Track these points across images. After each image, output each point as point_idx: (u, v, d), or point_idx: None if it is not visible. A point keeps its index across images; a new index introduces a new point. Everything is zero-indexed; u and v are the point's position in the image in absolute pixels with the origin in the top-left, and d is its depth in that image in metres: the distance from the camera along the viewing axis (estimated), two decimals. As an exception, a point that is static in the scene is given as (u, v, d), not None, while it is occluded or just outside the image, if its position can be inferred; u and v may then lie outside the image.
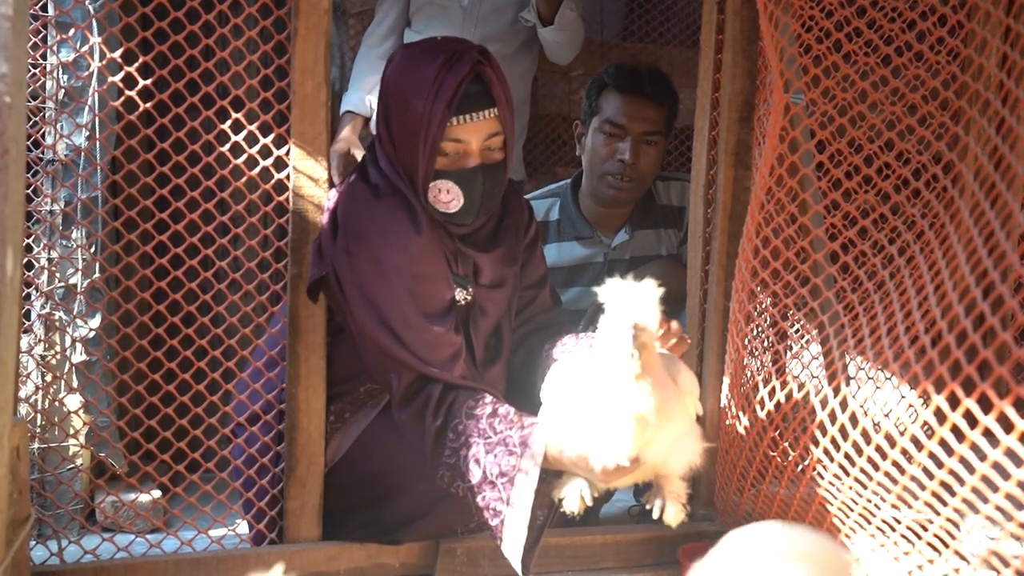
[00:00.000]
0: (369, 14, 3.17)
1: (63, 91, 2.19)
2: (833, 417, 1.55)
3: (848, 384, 1.65)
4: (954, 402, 1.21)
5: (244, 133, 1.78)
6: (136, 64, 1.75)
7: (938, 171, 1.80)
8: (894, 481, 1.43)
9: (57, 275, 2.19)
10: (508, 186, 1.93)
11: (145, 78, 1.75)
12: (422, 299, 1.77)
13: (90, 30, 2.00)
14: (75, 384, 2.11)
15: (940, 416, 1.25)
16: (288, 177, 1.81)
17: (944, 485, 1.32)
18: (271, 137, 1.82)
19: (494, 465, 1.62)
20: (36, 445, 2.05)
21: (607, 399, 1.44)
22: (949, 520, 1.40)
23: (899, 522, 1.51)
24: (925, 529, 1.47)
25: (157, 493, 2.28)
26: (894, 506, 1.48)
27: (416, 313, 1.75)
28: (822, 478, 1.63)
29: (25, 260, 1.91)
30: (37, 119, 2.17)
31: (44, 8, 2.14)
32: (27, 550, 1.59)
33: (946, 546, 1.46)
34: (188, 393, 1.79)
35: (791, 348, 1.92)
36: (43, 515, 1.85)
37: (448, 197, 1.79)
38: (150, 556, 1.79)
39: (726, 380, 1.95)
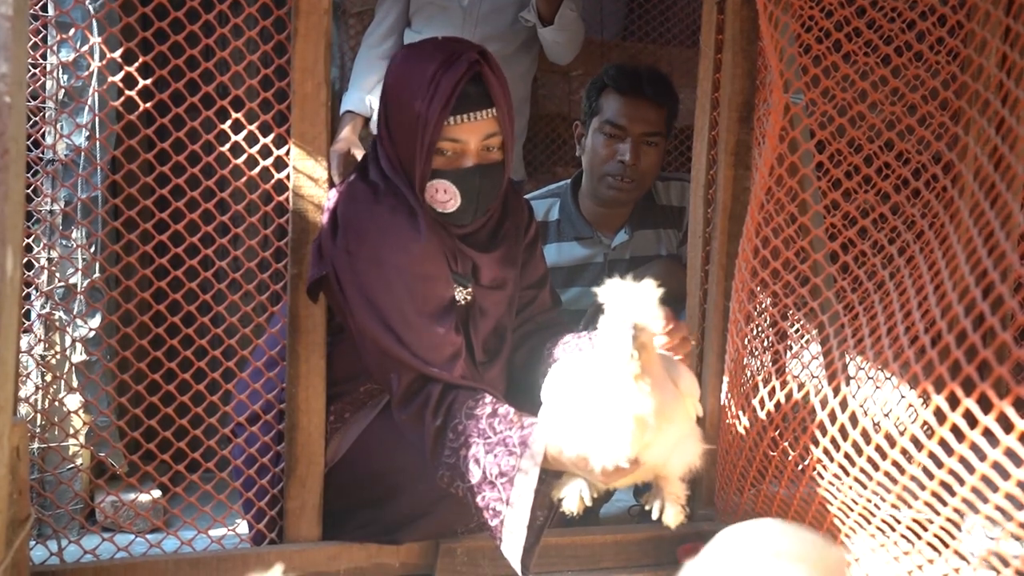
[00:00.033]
0: (369, 14, 3.17)
1: (63, 91, 2.19)
2: (833, 417, 1.55)
3: (848, 384, 1.65)
4: (954, 402, 1.21)
5: (244, 133, 1.78)
6: (136, 64, 1.75)
7: (938, 171, 1.80)
8: (894, 481, 1.43)
9: (57, 275, 2.19)
10: (508, 186, 1.93)
11: (145, 78, 1.75)
12: (422, 299, 1.77)
13: (90, 30, 2.00)
14: (75, 384, 2.11)
15: (940, 416, 1.25)
16: (288, 177, 1.81)
17: (944, 485, 1.32)
18: (271, 137, 1.82)
19: (494, 465, 1.62)
20: (36, 445, 2.06)
21: (607, 400, 1.44)
22: (949, 520, 1.40)
23: (899, 522, 1.51)
24: (925, 529, 1.47)
25: (157, 493, 2.28)
26: (894, 506, 1.48)
27: (416, 313, 1.75)
28: (822, 478, 1.63)
29: (25, 260, 1.92)
30: (37, 119, 2.17)
31: (44, 8, 2.14)
32: (27, 550, 1.59)
33: (946, 546, 1.46)
34: (188, 393, 1.79)
35: (791, 348, 1.92)
36: (43, 515, 1.85)
37: (445, 197, 1.79)
38: (150, 556, 1.79)
39: (726, 380, 1.95)
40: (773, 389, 1.74)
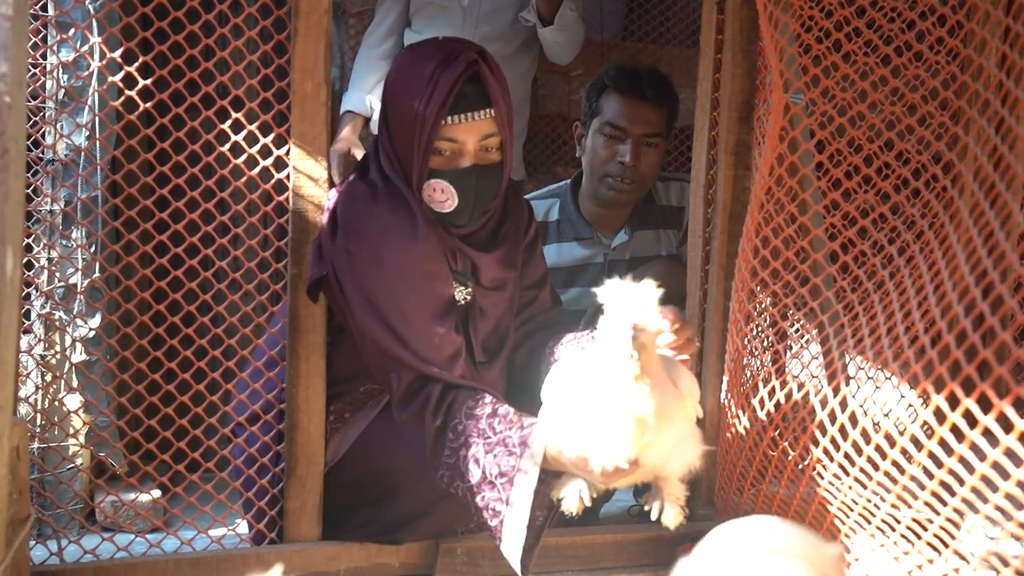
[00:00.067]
0: (369, 14, 3.17)
1: (63, 91, 2.19)
2: (833, 417, 1.55)
3: (848, 384, 1.65)
4: (954, 402, 1.21)
5: (244, 133, 1.78)
6: (136, 64, 1.75)
7: (938, 171, 1.80)
8: (894, 481, 1.43)
9: (57, 275, 2.19)
10: (508, 186, 1.93)
11: (145, 78, 1.75)
12: (422, 298, 1.77)
13: (90, 30, 2.00)
14: (75, 384, 2.11)
15: (940, 416, 1.25)
16: (288, 177, 1.81)
17: (944, 485, 1.32)
18: (271, 137, 1.82)
19: (493, 465, 1.62)
20: (36, 445, 2.06)
21: (607, 400, 1.44)
22: (949, 520, 1.40)
23: (899, 522, 1.51)
24: (925, 529, 1.47)
25: (157, 493, 2.28)
26: (894, 506, 1.48)
27: (416, 312, 1.75)
28: (822, 478, 1.63)
29: (25, 260, 1.92)
30: (37, 119, 2.17)
31: (44, 8, 2.14)
32: (27, 550, 1.59)
33: (946, 546, 1.46)
34: (188, 393, 1.79)
35: (791, 348, 1.92)
36: (43, 515, 1.85)
37: (443, 197, 1.79)
38: (150, 556, 1.79)
39: (726, 380, 1.95)
40: (773, 389, 1.74)
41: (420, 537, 1.88)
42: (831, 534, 1.65)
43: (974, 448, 1.20)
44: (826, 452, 1.58)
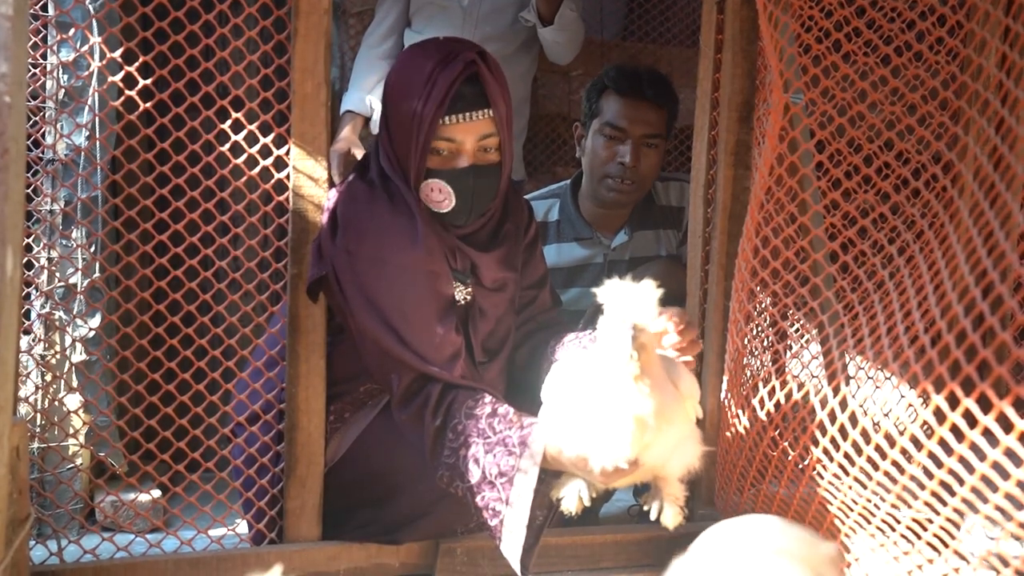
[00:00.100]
0: (369, 14, 3.17)
1: (63, 91, 2.19)
2: (833, 417, 1.55)
3: (848, 384, 1.65)
4: (953, 402, 1.21)
5: (244, 133, 1.78)
6: (136, 64, 1.75)
7: (937, 171, 1.80)
8: (894, 481, 1.43)
9: (57, 274, 2.19)
10: (508, 187, 1.93)
11: (145, 78, 1.75)
12: (423, 298, 1.77)
13: (90, 30, 2.00)
14: (75, 384, 2.11)
15: (939, 416, 1.25)
16: (288, 177, 1.81)
17: (944, 485, 1.32)
18: (271, 137, 1.82)
19: (493, 465, 1.62)
20: (36, 444, 2.06)
21: (607, 400, 1.44)
22: (949, 520, 1.40)
23: (899, 522, 1.51)
24: (925, 529, 1.47)
25: (157, 493, 2.28)
26: (894, 506, 1.48)
27: (417, 312, 1.75)
28: (822, 478, 1.63)
29: (25, 260, 1.92)
30: (37, 119, 2.17)
31: (44, 8, 2.14)
32: (27, 550, 1.59)
33: (946, 546, 1.46)
34: (188, 393, 1.79)
35: (791, 348, 1.92)
36: (43, 515, 1.85)
37: (440, 196, 1.79)
38: (150, 556, 1.79)
39: (726, 380, 1.95)
40: (773, 389, 1.74)
41: (420, 537, 1.88)
42: (831, 534, 1.65)
43: (974, 448, 1.20)
44: (826, 452, 1.58)
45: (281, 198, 1.84)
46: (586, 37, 3.17)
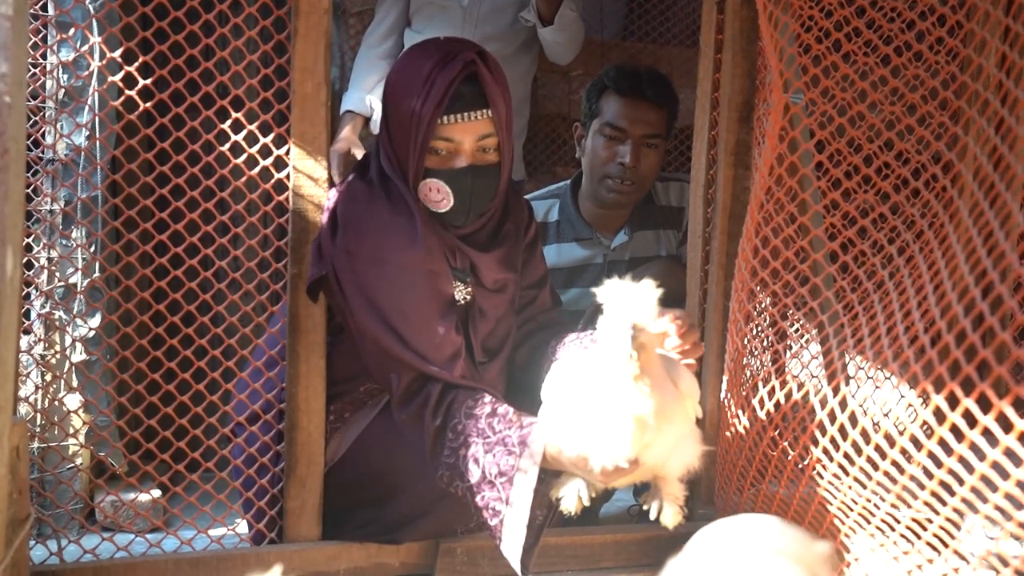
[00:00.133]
0: (369, 14, 3.17)
1: (63, 91, 2.19)
2: (832, 417, 1.55)
3: (847, 384, 1.65)
4: (953, 402, 1.21)
5: (244, 133, 1.78)
6: (136, 64, 1.75)
7: (937, 171, 1.80)
8: (893, 481, 1.43)
9: (57, 274, 2.19)
10: (508, 187, 1.93)
11: (145, 78, 1.75)
12: (422, 297, 1.77)
13: (90, 30, 2.00)
14: (75, 383, 2.11)
15: (939, 416, 1.25)
16: (288, 177, 1.81)
17: (943, 485, 1.32)
18: (271, 137, 1.82)
19: (493, 465, 1.62)
20: (36, 444, 2.06)
21: (607, 400, 1.44)
22: (948, 520, 1.40)
23: (898, 521, 1.51)
24: (925, 529, 1.47)
25: (157, 492, 2.28)
26: (893, 505, 1.48)
27: (417, 312, 1.75)
28: (821, 478, 1.63)
29: (25, 259, 1.92)
30: (37, 119, 2.17)
31: (44, 8, 2.15)
32: (27, 549, 1.59)
33: (945, 546, 1.46)
34: (188, 392, 1.79)
35: (790, 348, 1.92)
36: (43, 514, 1.85)
37: (438, 196, 1.80)
38: (150, 555, 1.79)
39: (725, 379, 1.95)
40: (773, 389, 1.74)
41: (420, 537, 1.88)
42: (831, 534, 1.65)
43: (974, 448, 1.20)
44: (826, 452, 1.58)
45: (281, 198, 1.84)
46: (586, 37, 3.17)
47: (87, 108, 2.13)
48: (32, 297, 2.16)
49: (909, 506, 1.44)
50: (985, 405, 1.17)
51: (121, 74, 1.75)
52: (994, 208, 1.35)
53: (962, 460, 1.24)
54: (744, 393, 1.88)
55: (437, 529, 1.88)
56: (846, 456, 1.53)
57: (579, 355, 1.72)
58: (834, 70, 1.75)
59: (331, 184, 1.87)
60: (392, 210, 1.80)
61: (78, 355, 2.16)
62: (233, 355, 1.84)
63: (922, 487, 1.37)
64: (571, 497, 1.59)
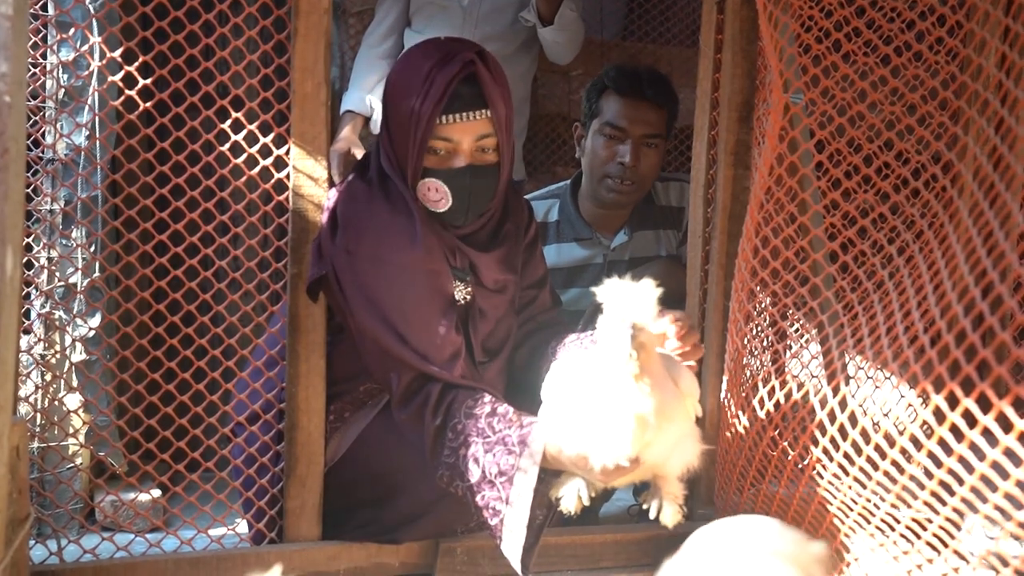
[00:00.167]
0: (369, 14, 3.17)
1: (63, 90, 2.19)
2: (832, 416, 1.55)
3: (847, 384, 1.65)
4: (953, 402, 1.21)
5: (244, 132, 1.78)
6: (136, 63, 1.75)
7: (937, 171, 1.80)
8: (893, 480, 1.43)
9: (57, 274, 2.19)
10: (508, 187, 1.93)
11: (145, 77, 1.75)
12: (422, 297, 1.77)
13: (90, 29, 2.00)
14: (75, 383, 2.11)
15: (939, 416, 1.25)
16: (288, 176, 1.81)
17: (943, 484, 1.32)
18: (271, 136, 1.82)
19: (493, 464, 1.62)
20: (36, 444, 2.06)
21: (607, 399, 1.44)
22: (948, 520, 1.40)
23: (898, 521, 1.51)
24: (924, 528, 1.47)
25: (157, 492, 2.28)
26: (893, 505, 1.48)
27: (417, 311, 1.75)
28: (821, 477, 1.63)
29: (25, 259, 1.92)
30: (37, 118, 2.17)
31: (44, 8, 2.15)
32: (26, 549, 1.59)
33: (945, 545, 1.46)
34: (188, 392, 1.79)
35: (790, 347, 1.92)
36: (42, 514, 1.85)
37: (437, 196, 1.80)
38: (150, 555, 1.79)
39: (725, 379, 1.95)
40: (772, 389, 1.74)
41: (420, 537, 1.88)
42: (830, 534, 1.66)
43: (973, 448, 1.20)
44: (826, 452, 1.58)
45: (281, 198, 1.84)
46: (586, 37, 3.17)
47: (87, 108, 2.13)
48: (32, 297, 2.16)
49: (909, 506, 1.44)
50: (985, 405, 1.17)
51: (121, 74, 1.75)
52: (994, 208, 1.35)
53: (962, 460, 1.24)
54: (744, 393, 1.88)
55: (437, 529, 1.88)
56: (846, 456, 1.53)
57: (579, 355, 1.72)
58: (834, 70, 1.75)
59: (331, 184, 1.87)
60: (392, 210, 1.80)
61: (78, 355, 2.16)
62: (233, 355, 1.84)
63: (922, 487, 1.37)
64: (571, 497, 1.59)
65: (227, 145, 1.78)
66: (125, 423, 1.87)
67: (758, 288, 1.83)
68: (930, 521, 1.44)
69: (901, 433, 1.38)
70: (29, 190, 2.09)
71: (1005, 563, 1.30)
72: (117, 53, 1.83)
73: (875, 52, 1.78)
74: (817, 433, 1.59)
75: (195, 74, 1.77)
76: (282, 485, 1.85)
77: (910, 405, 1.61)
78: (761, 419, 1.78)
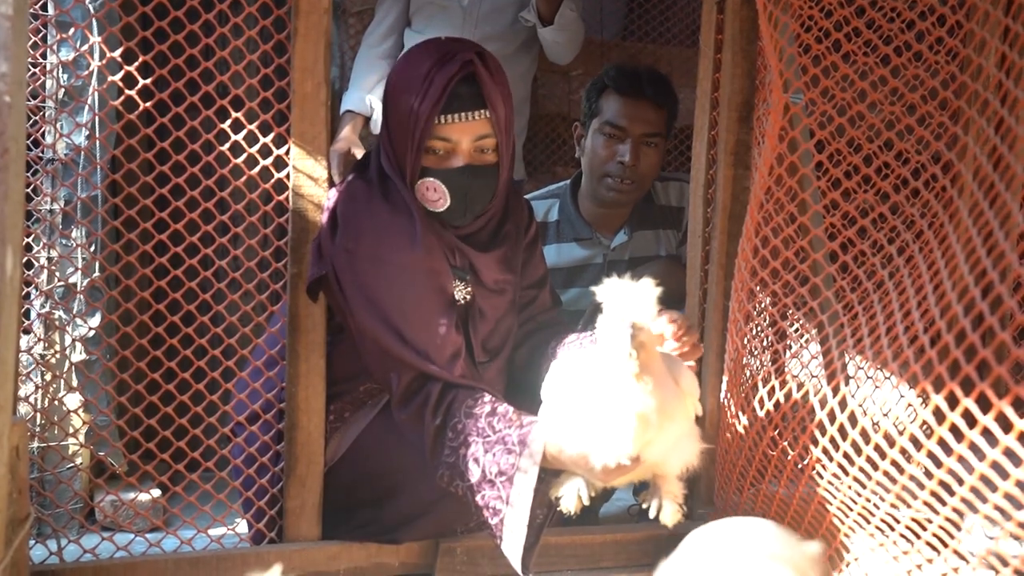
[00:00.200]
0: (369, 14, 3.17)
1: (63, 90, 2.19)
2: (832, 416, 1.55)
3: (847, 383, 1.65)
4: (953, 401, 1.21)
5: (244, 132, 1.78)
6: (136, 63, 1.75)
7: (937, 171, 1.80)
8: (893, 480, 1.43)
9: (57, 274, 2.19)
10: (508, 187, 1.93)
11: (145, 77, 1.75)
12: (422, 297, 1.77)
13: (90, 29, 2.00)
14: (75, 383, 2.11)
15: (939, 415, 1.25)
16: (288, 176, 1.81)
17: (943, 484, 1.32)
18: (271, 136, 1.82)
19: (493, 464, 1.62)
20: (36, 444, 2.06)
21: (607, 398, 1.44)
22: (948, 519, 1.40)
23: (898, 521, 1.51)
24: (924, 528, 1.47)
25: (156, 492, 2.28)
26: (893, 505, 1.48)
27: (417, 311, 1.75)
28: (821, 477, 1.63)
29: (25, 259, 1.92)
30: (37, 118, 2.17)
31: (44, 7, 2.15)
32: (26, 549, 1.59)
33: (945, 545, 1.46)
34: (188, 392, 1.79)
35: (790, 347, 1.92)
36: (42, 514, 1.85)
37: (435, 196, 1.80)
38: (150, 555, 1.79)
39: (725, 379, 1.95)
40: (772, 388, 1.74)
41: (420, 536, 1.88)
42: (830, 534, 1.66)
43: (973, 448, 1.20)
44: (825, 452, 1.58)
45: (281, 198, 1.84)
46: (586, 37, 3.17)
47: (87, 108, 2.13)
48: (32, 297, 2.16)
49: (909, 506, 1.44)
50: (985, 405, 1.17)
51: (121, 74, 1.75)
52: (994, 208, 1.35)
53: (962, 460, 1.24)
54: (744, 393, 1.88)
55: (437, 529, 1.88)
56: (846, 456, 1.53)
57: (579, 354, 1.72)
58: (834, 70, 1.75)
59: (331, 184, 1.87)
60: (392, 209, 1.80)
61: (78, 355, 2.17)
62: (233, 355, 1.84)
63: (922, 487, 1.37)
64: (571, 496, 1.59)
65: (227, 145, 1.78)
66: (125, 423, 1.87)
67: (758, 288, 1.83)
68: (930, 521, 1.44)
69: (901, 433, 1.38)
70: (29, 190, 2.09)
71: (1005, 563, 1.30)
72: (117, 53, 1.83)
73: (875, 52, 1.78)
74: (817, 433, 1.59)
75: (195, 74, 1.77)
76: (282, 485, 1.85)
77: (910, 405, 1.61)
78: (761, 419, 1.78)
